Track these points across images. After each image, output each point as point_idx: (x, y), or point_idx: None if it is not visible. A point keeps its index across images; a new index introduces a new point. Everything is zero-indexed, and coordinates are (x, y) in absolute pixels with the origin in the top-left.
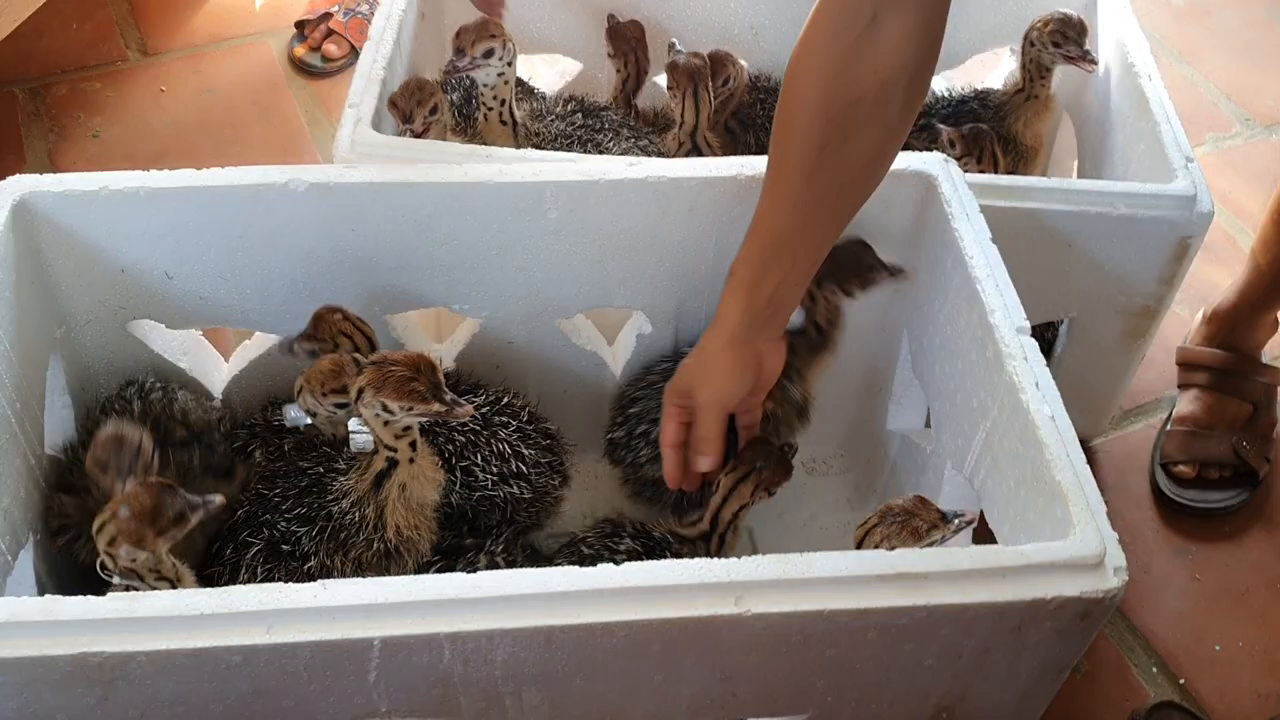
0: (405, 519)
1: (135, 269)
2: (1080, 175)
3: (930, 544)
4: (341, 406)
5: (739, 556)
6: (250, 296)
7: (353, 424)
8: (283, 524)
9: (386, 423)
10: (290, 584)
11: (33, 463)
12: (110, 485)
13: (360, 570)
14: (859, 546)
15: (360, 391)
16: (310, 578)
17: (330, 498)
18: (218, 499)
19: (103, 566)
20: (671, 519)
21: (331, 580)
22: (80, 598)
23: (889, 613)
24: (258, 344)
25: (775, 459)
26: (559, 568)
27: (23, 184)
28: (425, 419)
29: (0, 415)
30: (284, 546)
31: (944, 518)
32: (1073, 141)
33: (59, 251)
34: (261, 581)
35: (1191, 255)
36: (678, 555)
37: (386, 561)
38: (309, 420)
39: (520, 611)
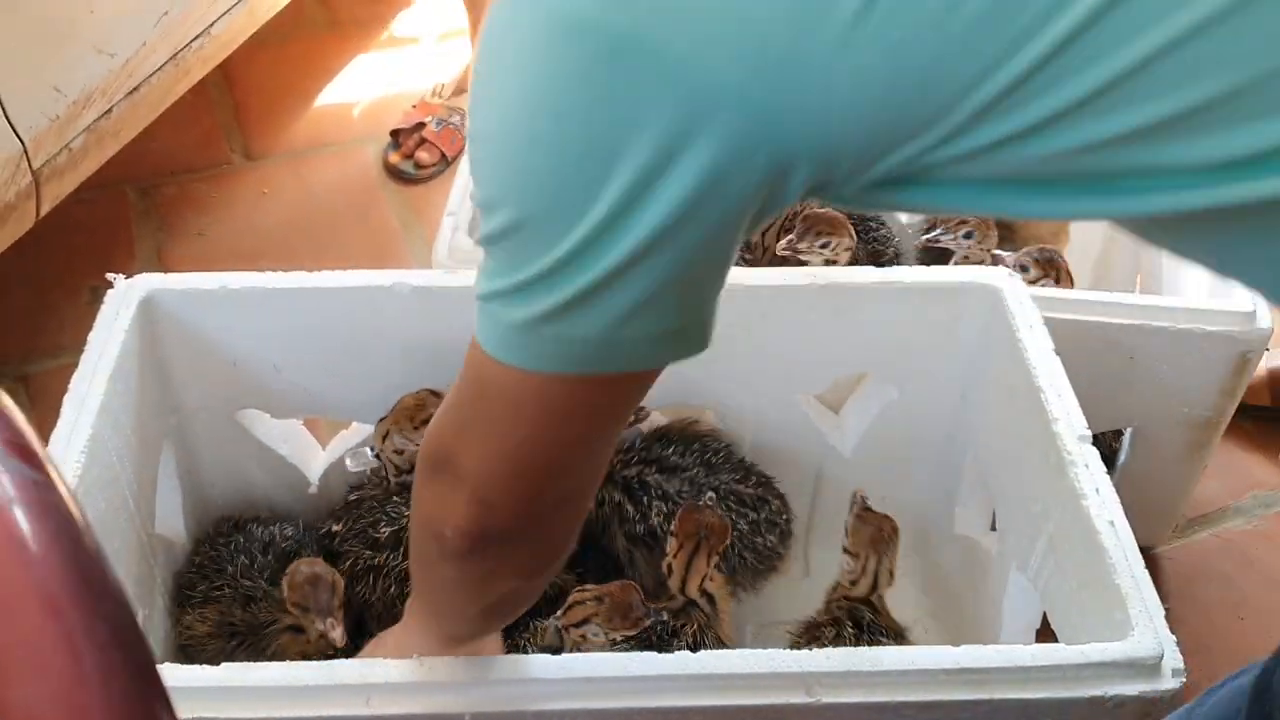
0: None
1: (246, 362)
2: (1143, 290)
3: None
4: None
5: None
6: (352, 389)
7: None
8: None
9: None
10: (390, 659)
11: (145, 539)
12: (311, 624)
13: None
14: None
15: (585, 621)
16: None
17: None
18: None
19: None
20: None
21: (428, 657)
22: (196, 666)
23: (953, 706)
24: (355, 433)
25: (711, 522)
26: (638, 653)
27: (150, 282)
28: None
29: (120, 497)
30: None
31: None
32: (1134, 257)
33: (177, 345)
34: None
35: (1252, 369)
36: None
37: None
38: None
39: (600, 693)
